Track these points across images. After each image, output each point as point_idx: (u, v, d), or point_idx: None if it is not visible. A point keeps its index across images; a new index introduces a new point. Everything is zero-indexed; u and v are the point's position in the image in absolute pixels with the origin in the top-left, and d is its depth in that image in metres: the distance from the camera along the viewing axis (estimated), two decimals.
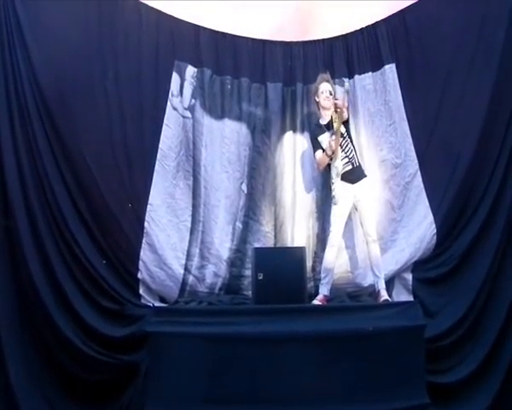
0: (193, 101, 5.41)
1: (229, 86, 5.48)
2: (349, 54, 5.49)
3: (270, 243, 5.40)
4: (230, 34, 5.46)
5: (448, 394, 4.91)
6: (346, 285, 5.27)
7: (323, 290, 4.97)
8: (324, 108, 5.09)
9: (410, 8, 5.39)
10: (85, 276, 4.98)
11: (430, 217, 5.27)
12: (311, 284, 5.20)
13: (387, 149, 5.40)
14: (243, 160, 5.45)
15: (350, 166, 5.01)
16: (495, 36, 5.23)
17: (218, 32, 5.45)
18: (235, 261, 5.33)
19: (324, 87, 5.08)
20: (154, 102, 5.29)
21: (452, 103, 5.33)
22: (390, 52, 5.42)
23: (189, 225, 5.33)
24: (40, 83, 4.95)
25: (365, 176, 5.08)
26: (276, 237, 5.42)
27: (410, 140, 5.36)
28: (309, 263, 5.20)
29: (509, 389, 4.94)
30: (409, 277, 5.29)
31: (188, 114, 5.40)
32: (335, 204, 4.95)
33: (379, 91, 5.44)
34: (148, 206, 5.18)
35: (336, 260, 5.07)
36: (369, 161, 5.37)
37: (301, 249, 4.98)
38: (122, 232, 5.10)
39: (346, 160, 4.99)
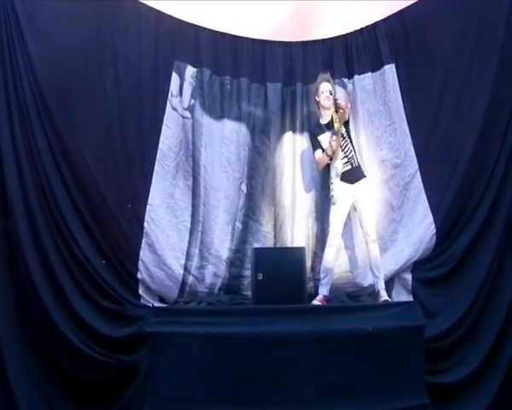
0: (192, 101, 5.41)
1: (228, 86, 5.47)
2: (349, 54, 5.49)
3: (269, 243, 5.40)
4: (230, 34, 5.46)
5: (448, 394, 4.91)
6: (346, 285, 5.26)
7: (323, 290, 4.97)
8: (324, 108, 5.09)
9: (410, 8, 5.40)
10: (85, 275, 4.98)
11: (430, 217, 5.27)
12: (310, 285, 5.20)
13: (387, 149, 5.40)
14: (243, 160, 5.44)
15: (349, 167, 5.01)
16: (494, 36, 5.24)
17: (217, 32, 5.45)
18: (235, 261, 5.32)
19: (325, 87, 5.07)
20: (153, 103, 5.29)
21: (452, 103, 5.33)
22: (390, 52, 5.42)
23: (189, 225, 5.32)
24: (39, 82, 4.95)
25: (364, 176, 5.08)
26: (275, 237, 5.41)
27: (409, 140, 5.37)
28: (308, 263, 5.19)
29: (509, 389, 4.94)
30: (408, 277, 5.29)
31: (187, 114, 5.39)
32: (334, 204, 4.95)
33: (378, 91, 5.45)
34: (148, 206, 5.18)
35: (336, 260, 5.06)
36: (369, 161, 5.37)
37: (301, 249, 4.97)
38: (121, 232, 5.11)
39: (346, 160, 4.99)
